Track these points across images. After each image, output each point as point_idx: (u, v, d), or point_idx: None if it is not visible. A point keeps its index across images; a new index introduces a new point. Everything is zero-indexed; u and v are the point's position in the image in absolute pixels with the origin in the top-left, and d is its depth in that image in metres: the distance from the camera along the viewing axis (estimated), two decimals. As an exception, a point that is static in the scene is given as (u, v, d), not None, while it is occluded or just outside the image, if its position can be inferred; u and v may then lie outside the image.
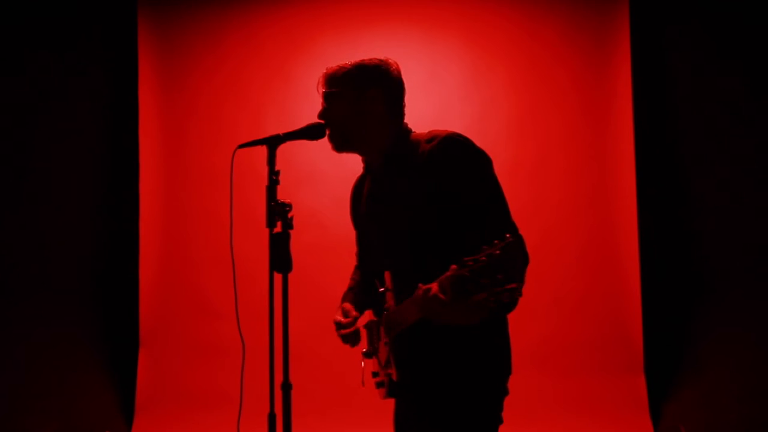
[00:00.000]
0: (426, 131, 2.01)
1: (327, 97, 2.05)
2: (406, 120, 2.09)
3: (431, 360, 1.93)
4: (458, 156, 1.88)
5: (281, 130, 2.01)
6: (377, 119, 2.03)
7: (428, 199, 1.89)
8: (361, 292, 2.28)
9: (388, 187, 2.04)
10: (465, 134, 1.93)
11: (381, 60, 2.06)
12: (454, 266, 1.55)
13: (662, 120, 4.20)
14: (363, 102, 2.01)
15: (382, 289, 1.98)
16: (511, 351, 1.97)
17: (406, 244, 1.96)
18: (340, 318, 2.15)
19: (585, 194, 4.32)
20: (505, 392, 1.95)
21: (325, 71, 2.07)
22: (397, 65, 2.08)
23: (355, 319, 2.14)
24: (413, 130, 2.07)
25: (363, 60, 2.05)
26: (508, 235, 1.48)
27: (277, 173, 1.95)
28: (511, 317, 1.92)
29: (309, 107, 2.14)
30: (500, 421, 1.94)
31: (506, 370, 1.96)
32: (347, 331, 2.12)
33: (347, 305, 2.19)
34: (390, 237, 2.04)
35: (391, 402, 2.15)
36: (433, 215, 1.88)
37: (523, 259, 1.73)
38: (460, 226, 1.83)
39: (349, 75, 2.02)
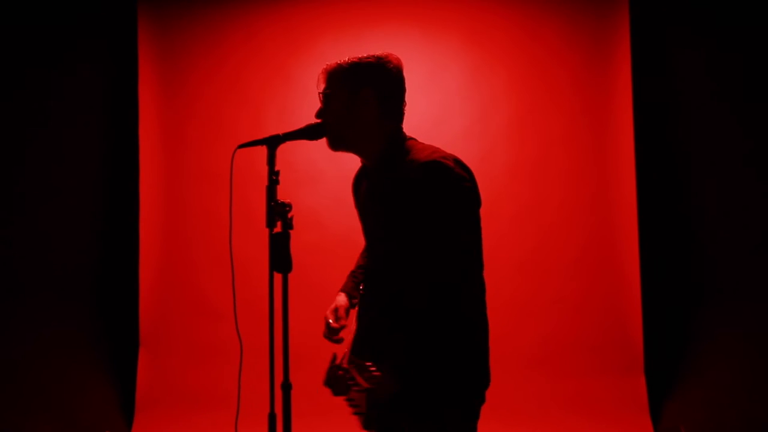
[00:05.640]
0: (422, 143, 2.01)
1: (323, 96, 2.04)
2: (406, 120, 2.07)
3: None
4: (425, 187, 1.87)
5: (281, 130, 2.00)
6: (370, 120, 2.00)
7: (395, 220, 1.94)
8: (362, 275, 2.34)
9: (377, 192, 2.04)
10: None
11: (378, 57, 2.01)
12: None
13: (662, 120, 4.20)
14: (355, 102, 1.99)
15: (362, 287, 2.14)
16: (485, 363, 1.95)
17: (381, 253, 2.05)
18: (331, 320, 2.19)
19: (585, 194, 4.32)
20: (481, 401, 1.95)
21: (323, 67, 2.05)
22: (399, 61, 2.03)
23: (342, 328, 2.20)
24: (411, 136, 2.05)
25: (361, 57, 2.01)
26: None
27: (277, 173, 1.94)
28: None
29: (309, 107, 2.13)
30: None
31: (477, 383, 1.94)
32: (335, 337, 2.20)
33: (340, 304, 2.23)
34: (372, 239, 2.12)
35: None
36: (395, 237, 1.95)
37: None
38: (406, 256, 1.92)
39: (343, 74, 2.00)
